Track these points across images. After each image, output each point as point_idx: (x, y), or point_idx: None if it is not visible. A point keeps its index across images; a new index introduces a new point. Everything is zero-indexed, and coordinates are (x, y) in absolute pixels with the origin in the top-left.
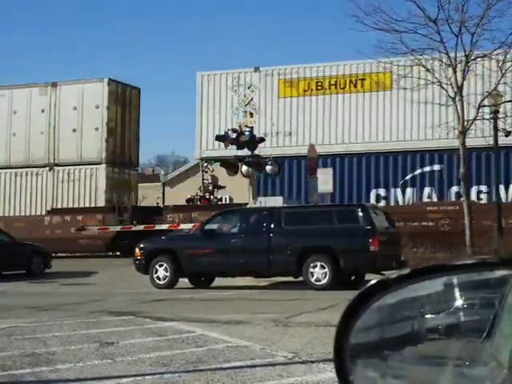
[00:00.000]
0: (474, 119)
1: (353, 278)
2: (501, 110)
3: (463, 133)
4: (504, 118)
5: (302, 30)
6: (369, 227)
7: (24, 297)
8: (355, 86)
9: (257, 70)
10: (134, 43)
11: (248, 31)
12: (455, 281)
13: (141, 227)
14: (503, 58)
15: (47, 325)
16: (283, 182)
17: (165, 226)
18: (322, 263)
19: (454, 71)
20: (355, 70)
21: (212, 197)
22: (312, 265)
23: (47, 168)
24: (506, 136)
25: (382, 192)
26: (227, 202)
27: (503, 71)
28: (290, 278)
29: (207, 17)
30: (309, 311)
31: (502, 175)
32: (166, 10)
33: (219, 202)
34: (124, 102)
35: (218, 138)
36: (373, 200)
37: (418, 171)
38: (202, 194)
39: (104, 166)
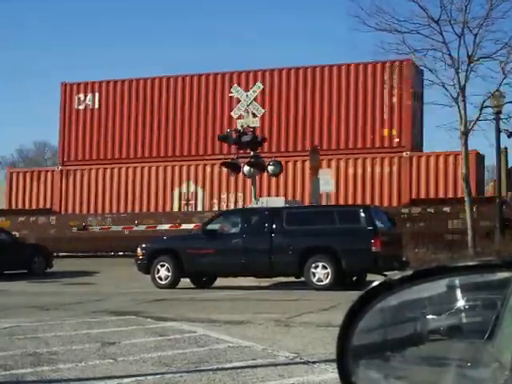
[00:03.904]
0: (477, 120)
1: (354, 278)
2: (503, 110)
3: (465, 133)
4: (506, 118)
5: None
6: (371, 228)
7: (25, 296)
8: None
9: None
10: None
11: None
12: (457, 282)
13: (143, 227)
14: (506, 58)
15: (49, 324)
16: None
17: (166, 226)
18: (324, 263)
19: (457, 72)
20: None
21: None
22: (314, 265)
23: None
24: (509, 137)
25: None
26: None
27: (505, 72)
28: (292, 279)
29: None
30: (310, 311)
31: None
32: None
33: None
34: None
35: (221, 138)
36: None
37: None
38: None
39: None
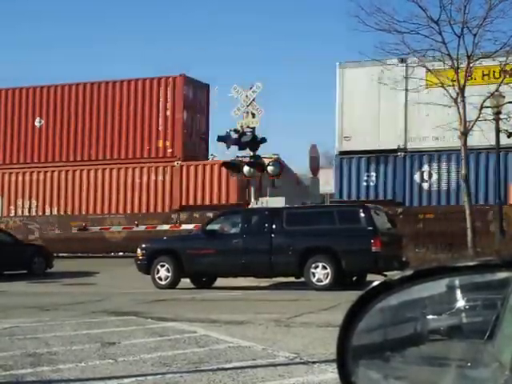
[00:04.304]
0: (476, 120)
1: (354, 278)
2: (503, 110)
3: (465, 134)
4: (506, 118)
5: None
6: (371, 228)
7: (25, 297)
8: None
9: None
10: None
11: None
12: (457, 282)
13: (142, 228)
14: (505, 58)
15: (49, 325)
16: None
17: (166, 227)
18: (324, 264)
19: (456, 72)
20: None
21: None
22: (313, 265)
23: None
24: (508, 137)
25: None
26: None
27: (505, 72)
28: (292, 279)
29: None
30: (310, 312)
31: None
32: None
33: None
34: None
35: (220, 138)
36: None
37: None
38: None
39: None
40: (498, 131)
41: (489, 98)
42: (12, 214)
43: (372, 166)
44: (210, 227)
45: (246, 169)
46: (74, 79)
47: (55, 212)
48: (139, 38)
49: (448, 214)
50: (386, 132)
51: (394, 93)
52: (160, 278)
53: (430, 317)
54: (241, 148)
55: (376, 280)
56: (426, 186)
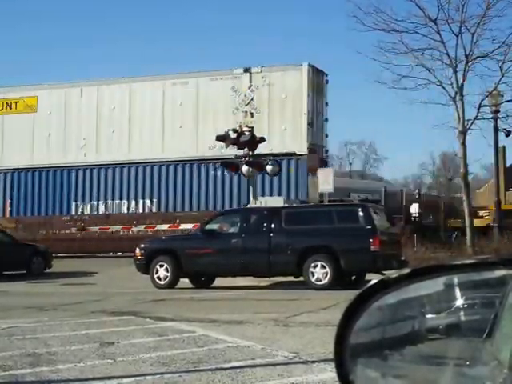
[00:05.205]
0: (475, 119)
1: (353, 277)
2: (501, 109)
3: (463, 132)
4: (505, 117)
5: None
6: (369, 227)
7: (24, 297)
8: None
9: None
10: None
11: None
12: (455, 280)
13: (141, 227)
14: (503, 57)
15: (48, 325)
16: None
17: (165, 227)
18: (323, 263)
19: (455, 71)
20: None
21: None
22: (312, 265)
23: None
24: (507, 136)
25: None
26: None
27: (503, 71)
28: (291, 278)
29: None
30: (309, 311)
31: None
32: None
33: None
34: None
35: (219, 137)
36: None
37: None
38: None
39: None
40: (496, 130)
41: (487, 97)
42: None
43: None
44: (208, 227)
45: (244, 168)
46: (74, 79)
47: None
48: (139, 38)
49: None
50: None
51: None
52: (159, 278)
53: (428, 315)
54: (239, 147)
55: (374, 279)
56: None
